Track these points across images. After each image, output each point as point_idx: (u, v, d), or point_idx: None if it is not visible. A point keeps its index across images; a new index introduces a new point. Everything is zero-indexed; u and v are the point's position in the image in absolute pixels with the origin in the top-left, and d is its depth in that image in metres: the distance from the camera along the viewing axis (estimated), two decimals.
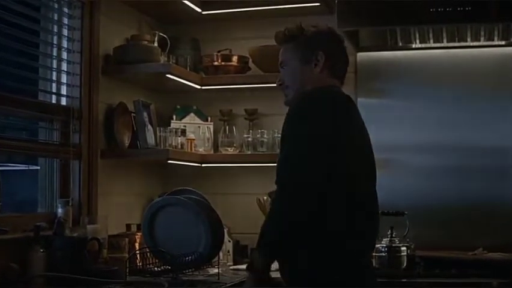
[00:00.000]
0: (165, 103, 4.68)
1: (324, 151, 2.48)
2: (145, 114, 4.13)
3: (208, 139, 4.58)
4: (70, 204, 3.72)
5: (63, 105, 3.86)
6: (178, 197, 3.56)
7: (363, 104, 4.20)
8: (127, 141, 4.15)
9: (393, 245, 3.90)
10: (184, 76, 4.29)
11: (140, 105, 4.12)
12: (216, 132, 4.59)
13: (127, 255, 3.73)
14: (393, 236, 3.94)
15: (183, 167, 4.48)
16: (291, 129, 2.52)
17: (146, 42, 4.21)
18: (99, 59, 4.02)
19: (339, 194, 2.54)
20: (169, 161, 4.20)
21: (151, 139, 4.13)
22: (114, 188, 4.17)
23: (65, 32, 3.92)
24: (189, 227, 3.50)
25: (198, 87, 4.46)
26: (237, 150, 4.48)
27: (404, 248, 3.89)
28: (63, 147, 3.78)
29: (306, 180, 2.43)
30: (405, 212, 3.97)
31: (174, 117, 4.60)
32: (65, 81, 3.89)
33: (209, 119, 4.65)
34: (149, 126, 4.14)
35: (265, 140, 4.41)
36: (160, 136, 4.16)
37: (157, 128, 4.18)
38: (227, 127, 4.53)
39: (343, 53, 2.80)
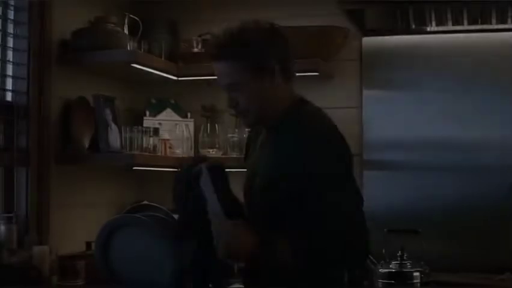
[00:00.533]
0: (138, 97, 4.24)
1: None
2: (107, 111, 3.65)
3: (187, 139, 4.09)
4: (14, 220, 3.30)
5: (7, 102, 3.43)
6: (137, 215, 2.95)
7: (368, 96, 3.95)
8: (87, 144, 3.66)
9: (405, 269, 3.41)
10: (155, 65, 3.81)
11: (100, 101, 3.62)
12: (197, 130, 4.13)
13: (82, 282, 3.32)
14: (405, 258, 3.44)
15: (158, 172, 4.02)
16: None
17: (112, 25, 3.71)
18: (53, 46, 3.58)
19: None
20: (136, 168, 3.77)
21: (114, 141, 3.65)
22: (71, 199, 3.69)
23: (10, 14, 3.49)
24: (150, 252, 2.93)
25: (174, 78, 4.02)
26: (220, 153, 4.02)
27: (417, 274, 3.39)
28: (6, 152, 3.37)
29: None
30: (419, 230, 3.47)
31: (147, 113, 4.12)
32: (10, 74, 3.46)
33: (189, 115, 4.20)
34: (113, 126, 3.66)
35: None
36: (125, 137, 3.65)
37: (123, 128, 3.68)
38: (208, 125, 4.07)
39: (290, 49, 2.43)
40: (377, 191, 3.83)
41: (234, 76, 2.35)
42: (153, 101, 4.19)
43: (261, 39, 2.34)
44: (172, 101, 4.21)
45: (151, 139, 3.76)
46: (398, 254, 3.44)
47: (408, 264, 3.41)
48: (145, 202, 3.27)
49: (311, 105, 2.47)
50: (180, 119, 4.15)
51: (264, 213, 2.39)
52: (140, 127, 3.70)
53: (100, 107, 3.61)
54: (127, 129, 3.65)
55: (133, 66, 3.63)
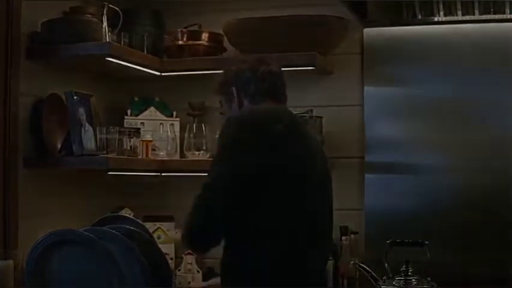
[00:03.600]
0: (120, 95, 4.01)
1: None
2: (81, 109, 3.39)
3: (172, 140, 3.85)
4: None
5: None
6: (78, 231, 2.67)
7: (371, 93, 3.81)
8: (60, 146, 3.43)
9: (410, 287, 3.13)
10: (135, 59, 3.58)
11: (73, 98, 3.35)
12: (183, 130, 3.89)
13: None
14: (410, 273, 3.17)
15: (139, 177, 3.86)
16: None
17: (89, 16, 3.48)
18: (21, 38, 3.35)
19: None
20: (111, 173, 3.52)
21: (89, 143, 3.38)
22: (42, 207, 3.44)
23: None
24: (92, 274, 2.67)
25: (157, 73, 3.79)
26: (207, 155, 3.76)
27: None
28: None
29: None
30: (425, 242, 3.20)
31: (129, 112, 3.89)
32: None
33: (174, 114, 3.96)
34: (88, 126, 3.41)
35: None
36: (101, 138, 3.39)
37: (99, 128, 3.43)
38: (194, 125, 3.84)
39: (262, 75, 2.88)
40: (379, 196, 3.73)
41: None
42: (136, 98, 3.97)
43: (227, 77, 2.96)
44: (157, 99, 3.98)
45: (131, 140, 3.52)
46: (402, 269, 3.19)
47: (414, 280, 3.16)
48: (117, 213, 3.16)
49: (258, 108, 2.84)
50: (165, 118, 3.92)
51: None
52: (117, 128, 3.46)
53: (72, 105, 3.35)
54: (103, 129, 3.40)
55: (108, 61, 3.40)
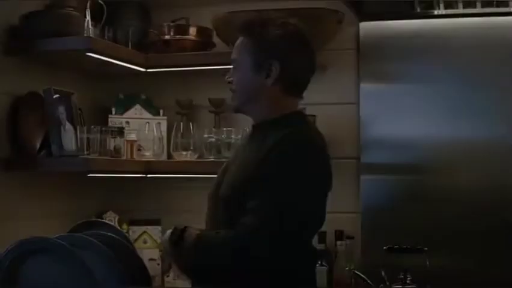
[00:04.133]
0: (104, 92, 3.90)
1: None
2: (61, 108, 3.24)
3: (159, 139, 3.72)
4: None
5: None
6: (51, 238, 2.50)
7: (367, 91, 3.72)
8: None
9: None
10: (118, 55, 3.46)
11: (51, 96, 3.20)
12: (170, 130, 3.76)
13: None
14: (408, 281, 3.14)
15: (123, 178, 3.74)
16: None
17: (70, 9, 3.37)
18: None
19: None
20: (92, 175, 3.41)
21: (69, 143, 3.24)
22: (22, 211, 3.35)
23: None
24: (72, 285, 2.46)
25: (142, 69, 3.67)
26: (195, 155, 3.66)
27: None
28: None
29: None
30: (424, 248, 3.16)
31: (114, 110, 3.76)
32: None
33: (161, 112, 3.84)
34: (68, 125, 3.26)
35: (232, 141, 3.56)
36: (82, 138, 3.26)
37: (79, 128, 3.29)
38: (181, 124, 3.70)
39: (308, 62, 2.54)
40: (375, 199, 3.64)
41: (238, 51, 2.50)
42: (121, 96, 3.84)
43: (273, 36, 2.45)
44: (143, 97, 3.85)
45: (115, 140, 3.39)
46: (400, 276, 3.16)
47: None
48: (93, 219, 3.03)
49: (305, 123, 2.53)
50: (151, 116, 3.81)
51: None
52: (99, 127, 3.33)
53: (51, 103, 3.21)
54: (84, 129, 3.27)
55: (89, 56, 3.27)
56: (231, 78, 2.52)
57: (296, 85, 2.51)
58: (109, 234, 2.64)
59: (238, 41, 2.52)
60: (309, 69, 2.53)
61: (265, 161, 2.31)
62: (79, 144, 3.25)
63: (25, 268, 2.49)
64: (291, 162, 2.32)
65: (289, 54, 2.45)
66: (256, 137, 2.45)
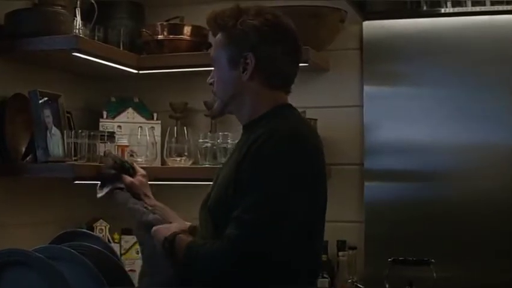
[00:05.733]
0: (95, 95, 3.80)
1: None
2: (46, 111, 3.14)
3: (152, 144, 3.61)
4: None
5: None
6: (32, 252, 2.43)
7: (371, 93, 3.64)
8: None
9: None
10: (107, 55, 3.36)
11: (36, 98, 3.09)
12: (165, 134, 3.67)
13: None
14: None
15: None
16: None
17: (59, 7, 3.27)
18: None
19: None
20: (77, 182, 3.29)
21: (56, 148, 3.13)
22: (6, 220, 3.25)
23: None
24: None
25: (133, 71, 3.58)
26: (190, 161, 3.57)
27: None
28: None
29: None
30: (432, 260, 3.08)
31: (105, 114, 3.65)
32: None
33: (155, 116, 3.75)
34: (54, 129, 3.16)
35: (228, 146, 3.45)
36: (69, 143, 3.15)
37: (67, 132, 3.18)
38: (175, 128, 3.63)
39: (288, 51, 2.38)
40: (380, 207, 3.53)
41: (214, 48, 2.43)
42: (113, 99, 3.73)
43: (247, 26, 2.33)
44: (136, 100, 3.75)
45: (105, 145, 3.28)
46: None
47: None
48: (76, 229, 2.93)
49: (293, 115, 2.39)
50: (145, 120, 3.71)
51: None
52: (87, 131, 3.22)
53: (37, 106, 3.09)
54: (71, 133, 3.15)
55: (76, 56, 3.17)
56: (212, 80, 2.44)
57: (277, 77, 2.37)
58: (92, 246, 2.60)
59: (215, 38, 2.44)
60: (291, 59, 2.39)
61: (242, 164, 2.20)
62: (66, 149, 3.13)
63: (3, 279, 2.44)
64: (269, 162, 2.20)
65: (265, 44, 2.32)
66: (244, 138, 2.33)
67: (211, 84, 2.47)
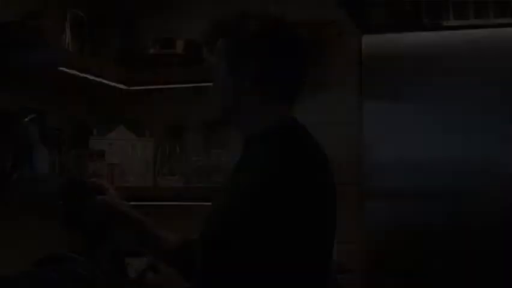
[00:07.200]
0: (86, 112, 3.78)
1: None
2: (32, 129, 3.13)
3: (145, 163, 3.61)
4: None
5: None
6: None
7: (370, 110, 3.66)
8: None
9: None
10: (95, 70, 3.32)
11: (22, 116, 3.09)
12: (157, 152, 3.69)
13: None
14: None
15: None
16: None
17: (47, 21, 3.25)
18: None
19: None
20: None
21: (42, 166, 3.10)
22: None
23: None
24: None
25: (124, 87, 3.57)
26: (182, 181, 3.55)
27: None
28: None
29: None
30: None
31: (95, 131, 3.63)
32: None
33: (147, 133, 3.76)
34: (41, 147, 3.12)
35: (223, 164, 3.46)
36: (56, 162, 3.15)
37: (53, 151, 3.18)
38: (167, 147, 3.61)
39: (293, 60, 2.29)
40: (379, 228, 3.54)
41: (215, 57, 2.33)
42: (103, 116, 3.73)
43: (251, 34, 2.24)
44: (128, 117, 3.75)
45: (94, 164, 3.27)
46: None
47: None
48: (64, 252, 2.75)
49: (299, 131, 2.31)
50: (136, 138, 3.68)
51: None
52: (74, 150, 3.21)
53: (22, 123, 3.08)
54: (56, 152, 3.13)
55: (62, 71, 3.13)
56: (212, 88, 2.36)
57: (280, 88, 2.27)
58: (77, 270, 2.53)
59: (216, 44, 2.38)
60: (296, 69, 2.29)
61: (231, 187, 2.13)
62: (54, 167, 3.10)
63: None
64: (262, 186, 2.05)
65: (267, 51, 2.23)
66: (243, 157, 2.25)
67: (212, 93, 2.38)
